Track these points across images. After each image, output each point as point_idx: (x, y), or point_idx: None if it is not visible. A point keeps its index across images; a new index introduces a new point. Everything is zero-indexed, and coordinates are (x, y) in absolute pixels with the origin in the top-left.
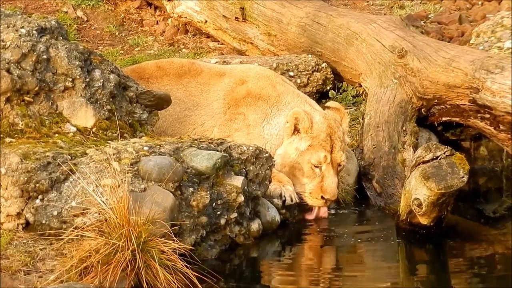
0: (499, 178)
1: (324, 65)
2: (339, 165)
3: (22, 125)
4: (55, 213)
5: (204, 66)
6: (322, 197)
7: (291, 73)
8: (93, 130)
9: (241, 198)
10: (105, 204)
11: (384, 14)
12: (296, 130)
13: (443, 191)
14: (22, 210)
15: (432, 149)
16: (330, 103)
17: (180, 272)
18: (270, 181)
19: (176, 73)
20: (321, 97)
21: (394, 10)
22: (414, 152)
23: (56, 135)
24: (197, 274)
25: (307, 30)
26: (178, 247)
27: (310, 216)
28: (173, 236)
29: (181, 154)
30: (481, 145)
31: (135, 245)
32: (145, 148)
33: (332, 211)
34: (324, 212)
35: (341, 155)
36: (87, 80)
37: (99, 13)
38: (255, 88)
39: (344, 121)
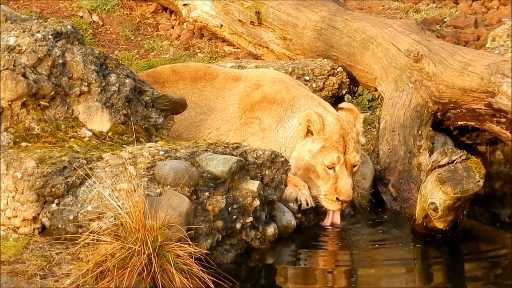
0: None
1: (339, 69)
2: (354, 166)
3: (38, 129)
4: (71, 217)
5: (219, 70)
6: (337, 199)
7: (307, 77)
8: (109, 134)
9: (257, 203)
10: (121, 208)
11: (400, 18)
12: (309, 132)
13: (459, 195)
14: (38, 215)
15: (448, 153)
16: (343, 104)
17: (196, 276)
18: (285, 185)
19: (191, 77)
20: (336, 101)
21: (409, 14)
22: (430, 156)
23: (72, 139)
24: (212, 278)
25: (322, 34)
26: (194, 251)
27: (325, 223)
28: (189, 240)
29: (197, 159)
30: (497, 149)
31: (151, 249)
32: (161, 153)
33: (347, 216)
34: (337, 219)
35: (355, 155)
36: (103, 84)
37: (115, 18)
38: (270, 92)
39: (357, 122)
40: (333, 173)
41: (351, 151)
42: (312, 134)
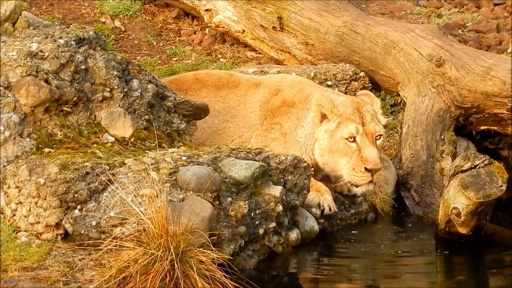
0: None
1: (362, 74)
2: (376, 137)
3: (60, 135)
4: (93, 223)
5: (241, 77)
6: (365, 169)
7: (329, 82)
8: (131, 140)
9: (280, 208)
10: (143, 214)
11: (422, 23)
12: (323, 117)
13: (481, 200)
14: (61, 221)
15: (470, 158)
16: (359, 92)
17: (219, 282)
18: (308, 191)
19: (214, 85)
20: None
21: (431, 19)
22: (453, 161)
23: (95, 145)
24: (235, 284)
25: (344, 39)
26: (216, 257)
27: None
28: (212, 246)
29: (219, 164)
30: None
31: (174, 255)
32: (183, 158)
33: (370, 221)
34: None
35: (375, 125)
36: (125, 90)
37: (137, 23)
38: (289, 96)
39: (374, 103)
40: (355, 145)
41: (369, 121)
42: (326, 117)
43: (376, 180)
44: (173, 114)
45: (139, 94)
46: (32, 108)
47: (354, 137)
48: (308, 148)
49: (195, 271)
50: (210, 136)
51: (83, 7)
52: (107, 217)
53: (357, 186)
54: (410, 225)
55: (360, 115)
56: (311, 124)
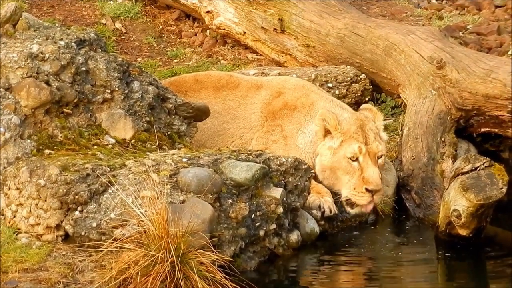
0: None
1: (362, 76)
2: (378, 157)
3: (61, 137)
4: (94, 224)
5: (241, 78)
6: (366, 190)
7: (330, 84)
8: (132, 141)
9: (280, 210)
10: (144, 215)
11: (423, 25)
12: (327, 132)
13: (482, 202)
14: (61, 222)
15: (471, 160)
16: (362, 106)
17: (219, 283)
18: (309, 193)
19: (214, 86)
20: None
21: (432, 21)
22: (453, 163)
23: (95, 147)
24: (236, 286)
25: (345, 41)
26: (217, 259)
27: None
28: (212, 247)
29: (220, 166)
30: None
31: (174, 257)
32: (184, 160)
33: (371, 223)
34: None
35: (377, 145)
36: (126, 92)
37: (138, 25)
38: (291, 99)
39: (377, 119)
40: (357, 164)
41: (373, 141)
42: (330, 133)
43: (376, 200)
44: (173, 116)
45: (139, 96)
46: (32, 110)
47: (357, 157)
48: (308, 155)
49: (195, 272)
50: (210, 137)
51: (83, 9)
52: (107, 219)
53: (353, 205)
54: (410, 227)
55: (363, 134)
56: (313, 132)
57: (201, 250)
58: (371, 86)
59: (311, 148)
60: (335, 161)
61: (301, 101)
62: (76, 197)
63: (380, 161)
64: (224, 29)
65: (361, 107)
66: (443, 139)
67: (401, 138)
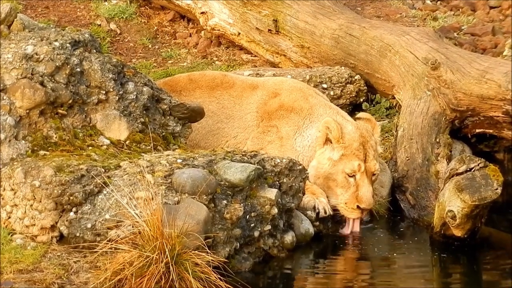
0: None
1: (357, 77)
2: (373, 174)
3: (56, 138)
4: (89, 225)
5: (236, 78)
6: (358, 207)
7: (324, 85)
8: (127, 142)
9: (275, 211)
10: (138, 216)
11: (417, 26)
12: (327, 140)
13: (477, 203)
14: (56, 223)
15: (465, 161)
16: (360, 114)
17: (214, 284)
18: (303, 193)
19: (208, 85)
20: (354, 109)
21: (427, 22)
22: (448, 164)
23: (90, 147)
24: (230, 287)
25: (340, 42)
26: (211, 260)
27: (345, 231)
28: (207, 248)
29: (215, 167)
30: None
31: (169, 258)
32: (179, 161)
33: (366, 224)
34: (357, 227)
35: (375, 163)
36: (121, 93)
37: (132, 26)
38: (288, 100)
39: (375, 131)
40: (353, 181)
41: (371, 159)
42: (330, 142)
43: (364, 216)
44: (168, 117)
45: (134, 97)
46: (27, 111)
47: (355, 174)
48: (305, 158)
49: (190, 273)
50: (204, 136)
51: (78, 10)
52: (102, 220)
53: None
54: (405, 228)
55: (364, 152)
56: (312, 137)
57: (196, 251)
58: (366, 87)
59: (309, 152)
60: (332, 173)
61: (299, 103)
62: (71, 198)
63: (374, 178)
64: (218, 30)
65: (359, 115)
66: (437, 140)
67: (396, 139)
